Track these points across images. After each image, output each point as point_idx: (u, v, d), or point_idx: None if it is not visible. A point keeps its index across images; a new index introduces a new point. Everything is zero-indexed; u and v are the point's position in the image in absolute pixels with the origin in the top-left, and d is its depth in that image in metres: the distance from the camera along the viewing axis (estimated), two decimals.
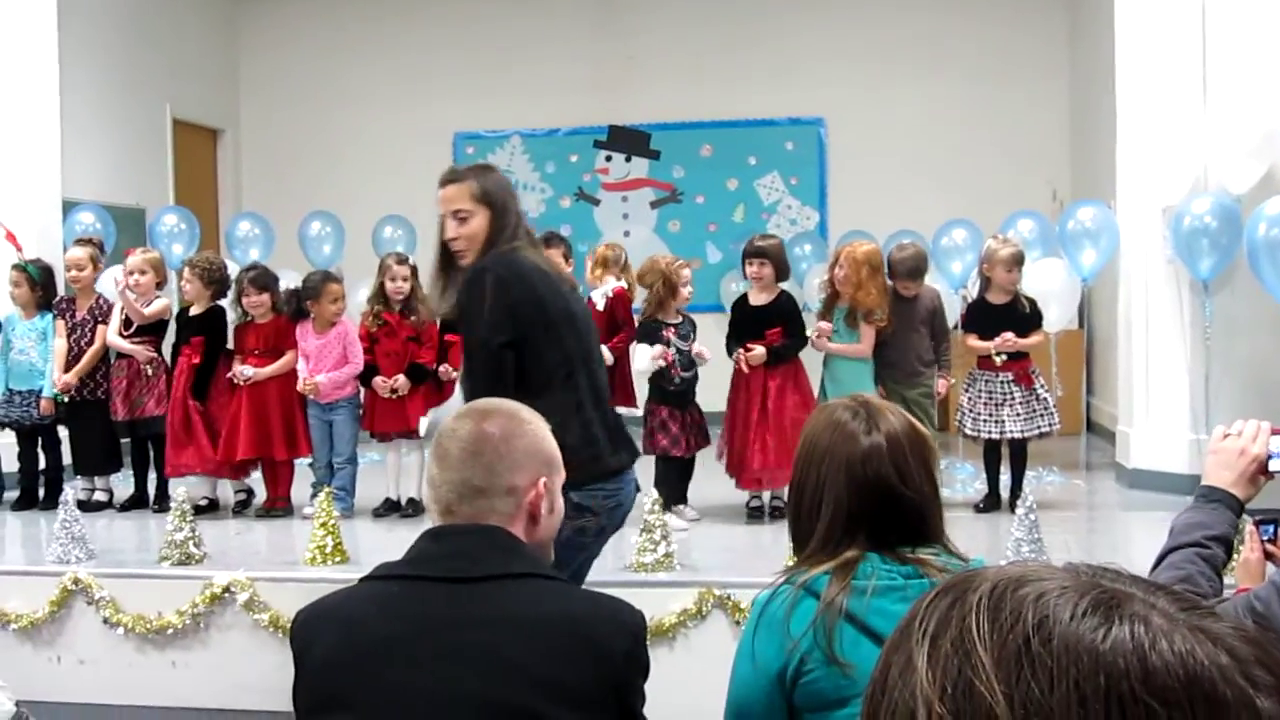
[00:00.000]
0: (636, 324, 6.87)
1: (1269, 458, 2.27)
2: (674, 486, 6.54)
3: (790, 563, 2.33)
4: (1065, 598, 0.76)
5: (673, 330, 6.67)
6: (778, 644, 2.14)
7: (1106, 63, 7.93)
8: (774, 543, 5.91)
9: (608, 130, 11.36)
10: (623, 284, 7.08)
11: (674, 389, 6.62)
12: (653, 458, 6.63)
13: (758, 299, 6.78)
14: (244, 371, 6.89)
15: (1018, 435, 6.72)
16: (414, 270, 7.07)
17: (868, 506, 2.18)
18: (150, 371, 7.09)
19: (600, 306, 6.83)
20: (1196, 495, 2.31)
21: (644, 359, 6.63)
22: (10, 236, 7.57)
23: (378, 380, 6.90)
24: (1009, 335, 6.65)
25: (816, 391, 6.74)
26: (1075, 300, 8.41)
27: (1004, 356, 6.75)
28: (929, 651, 0.77)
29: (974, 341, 6.78)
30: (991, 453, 6.88)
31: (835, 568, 2.15)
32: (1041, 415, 6.73)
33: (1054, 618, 0.75)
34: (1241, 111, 6.84)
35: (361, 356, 6.92)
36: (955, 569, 2.15)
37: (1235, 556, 2.32)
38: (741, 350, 6.60)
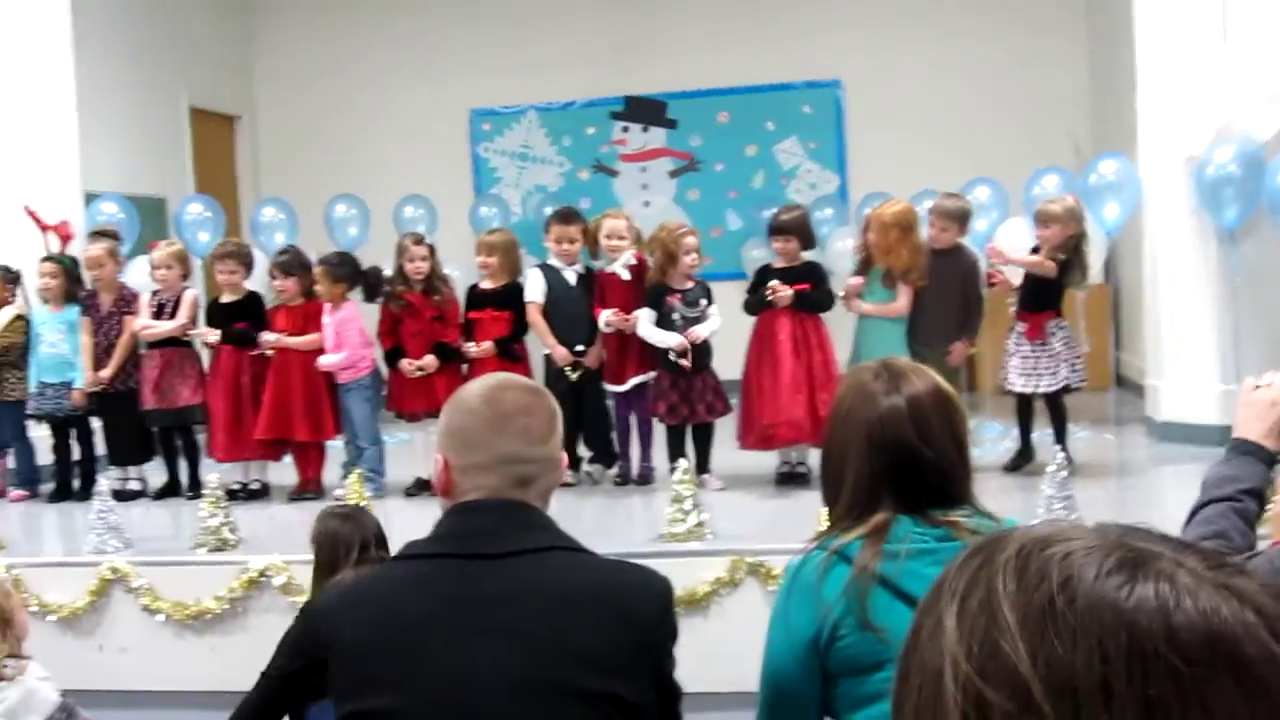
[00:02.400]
0: None
1: None
2: (676, 451, 6.52)
3: (822, 528, 2.33)
4: (1091, 556, 0.76)
5: (679, 296, 6.64)
6: (811, 610, 2.14)
7: (1125, 14, 7.86)
8: (803, 508, 5.92)
9: (624, 101, 11.33)
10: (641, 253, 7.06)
11: (688, 364, 6.60)
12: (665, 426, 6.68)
13: (781, 264, 6.78)
14: (267, 338, 6.92)
15: (1015, 389, 6.64)
16: (432, 249, 7.08)
17: (889, 468, 2.17)
18: (195, 342, 7.14)
19: (627, 276, 6.81)
20: (1227, 448, 2.30)
21: (648, 326, 6.62)
22: (60, 226, 7.64)
23: (404, 362, 6.92)
24: (993, 246, 6.60)
25: (849, 356, 6.71)
26: (1101, 255, 8.35)
27: (1013, 303, 6.70)
28: (957, 611, 0.78)
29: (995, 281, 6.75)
30: (1021, 407, 6.79)
31: (867, 532, 2.15)
32: (1049, 373, 6.56)
33: (1079, 576, 0.75)
34: (1262, 57, 6.77)
35: (357, 340, 6.92)
36: (987, 530, 2.14)
37: (1268, 509, 2.30)
38: (775, 281, 6.56)
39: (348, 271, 7.03)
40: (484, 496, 2.13)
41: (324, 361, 6.87)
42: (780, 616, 2.21)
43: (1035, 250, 6.75)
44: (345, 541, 3.79)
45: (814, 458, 6.62)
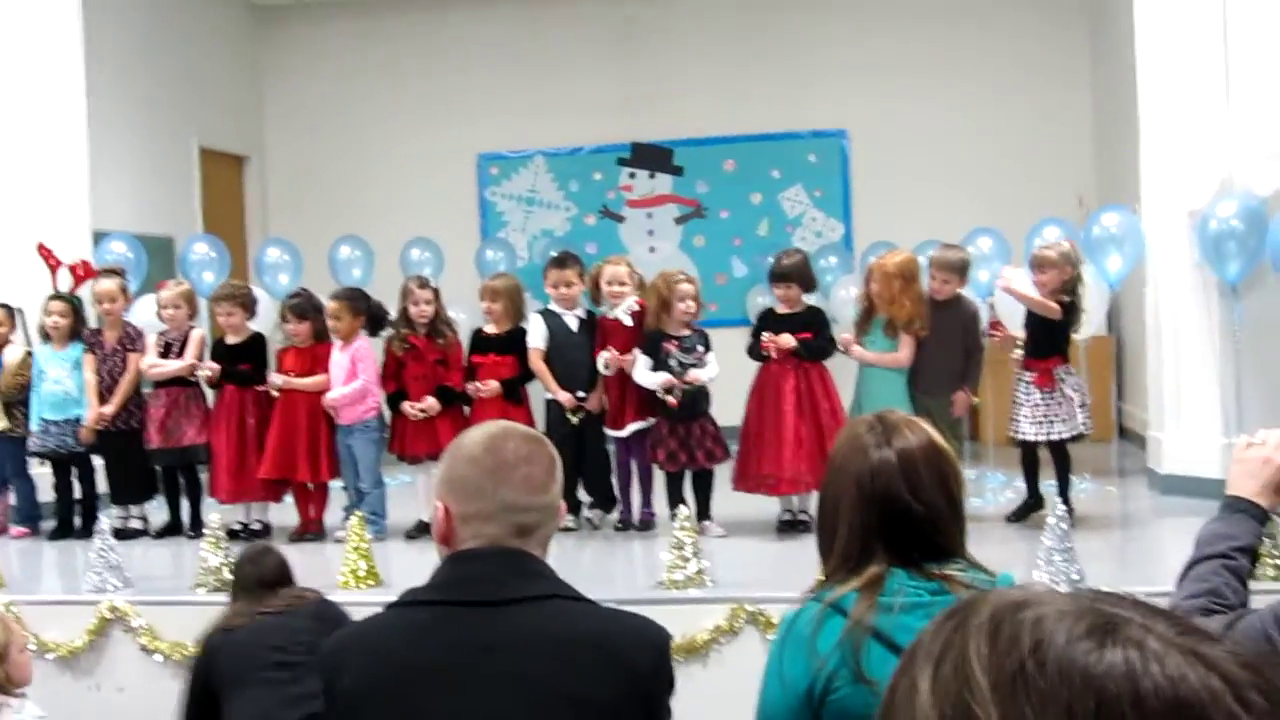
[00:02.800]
0: None
1: None
2: (676, 497, 6.52)
3: (818, 579, 2.33)
4: (1062, 622, 0.77)
5: (675, 344, 6.66)
6: (805, 662, 2.14)
7: (1128, 68, 7.91)
8: (804, 556, 5.90)
9: (631, 147, 11.40)
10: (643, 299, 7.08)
11: (675, 401, 6.62)
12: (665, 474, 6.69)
13: (784, 310, 6.81)
14: (275, 380, 6.95)
15: (1027, 438, 6.64)
16: (436, 293, 7.11)
17: (880, 521, 2.19)
18: (201, 379, 7.15)
19: (629, 322, 6.83)
20: (1221, 505, 2.30)
21: (642, 371, 6.65)
22: (80, 265, 7.69)
23: (406, 405, 6.93)
24: (1004, 271, 6.57)
25: (849, 405, 6.72)
26: (1103, 306, 8.38)
27: (1019, 352, 6.71)
28: (932, 674, 0.78)
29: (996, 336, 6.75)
30: (1027, 459, 6.78)
31: (861, 585, 2.15)
32: (1062, 420, 6.56)
33: (1049, 641, 0.76)
34: (1265, 113, 6.82)
35: (372, 374, 6.95)
36: (982, 584, 2.15)
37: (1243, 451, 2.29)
38: (769, 336, 6.58)
39: (365, 306, 7.08)
40: (483, 545, 2.12)
41: (337, 394, 6.87)
42: (774, 668, 2.21)
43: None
44: (242, 580, 4.13)
45: (815, 506, 6.61)
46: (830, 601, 2.16)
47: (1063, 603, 0.79)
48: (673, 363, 6.60)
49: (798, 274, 6.77)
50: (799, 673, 2.15)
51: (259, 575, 4.06)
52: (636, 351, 6.70)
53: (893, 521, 2.18)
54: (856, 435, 2.28)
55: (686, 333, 6.70)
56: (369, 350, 7.00)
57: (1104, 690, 0.73)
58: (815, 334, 6.68)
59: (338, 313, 6.97)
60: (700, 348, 6.68)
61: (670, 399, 6.57)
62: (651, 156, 11.42)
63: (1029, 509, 6.70)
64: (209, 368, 7.07)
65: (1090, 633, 0.76)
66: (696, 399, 6.63)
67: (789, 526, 6.70)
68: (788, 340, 6.56)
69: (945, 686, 0.77)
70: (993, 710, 0.74)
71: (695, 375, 6.58)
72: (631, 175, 11.51)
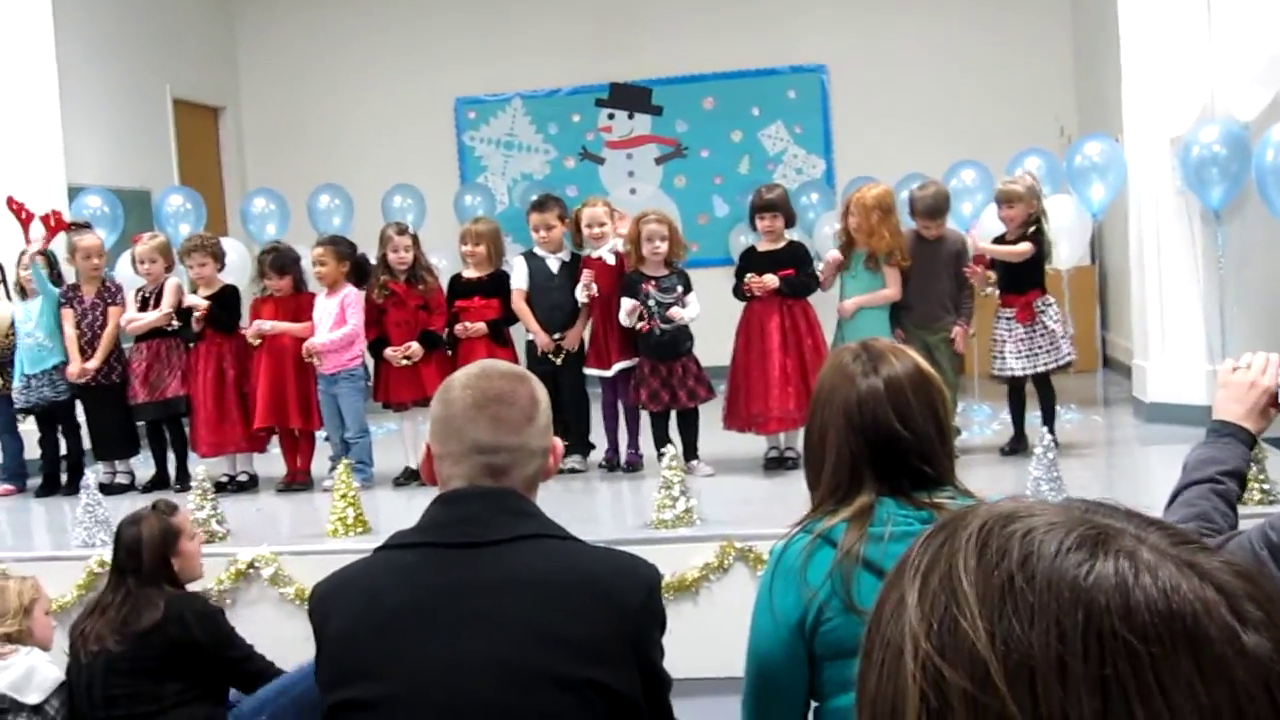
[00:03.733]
0: None
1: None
2: (662, 437, 6.51)
3: (808, 511, 2.32)
4: (1052, 533, 0.75)
5: (653, 283, 6.64)
6: (795, 594, 2.14)
7: None
8: (792, 493, 5.92)
9: (609, 88, 11.31)
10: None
11: (655, 341, 6.61)
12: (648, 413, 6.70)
13: (767, 247, 6.78)
14: (261, 325, 6.89)
15: (1017, 373, 6.65)
16: (415, 239, 7.07)
17: (868, 449, 2.18)
18: (173, 326, 7.08)
19: (612, 261, 6.80)
20: (1208, 430, 2.29)
21: (622, 311, 6.66)
22: (53, 216, 7.58)
23: (389, 351, 6.90)
24: (972, 235, 6.56)
25: (832, 341, 6.72)
26: (1086, 236, 8.37)
27: (994, 290, 6.71)
28: (919, 588, 0.77)
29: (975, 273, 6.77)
30: (1014, 394, 6.79)
31: (851, 515, 2.15)
32: (1040, 352, 6.58)
33: (1039, 554, 0.74)
34: (1247, 37, 6.77)
35: (361, 320, 6.90)
36: None
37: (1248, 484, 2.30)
38: (752, 275, 6.58)
39: (350, 252, 7.04)
40: (465, 485, 2.13)
41: (325, 338, 6.82)
42: (765, 601, 2.20)
43: (1000, 239, 6.78)
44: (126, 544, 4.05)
45: (801, 442, 6.62)
46: (820, 533, 2.16)
47: (1053, 514, 0.77)
48: (651, 303, 6.58)
49: (782, 205, 6.74)
50: (790, 604, 2.14)
51: (115, 553, 4.08)
52: (622, 300, 6.68)
53: (881, 450, 2.18)
54: (843, 364, 2.26)
55: (665, 273, 6.68)
56: (358, 297, 6.95)
57: (1093, 602, 0.71)
58: (798, 270, 6.67)
59: (323, 258, 6.92)
60: (680, 288, 6.66)
61: (641, 324, 6.56)
62: (630, 97, 11.33)
63: (1018, 446, 6.72)
64: (198, 304, 6.97)
65: (1081, 544, 0.74)
66: (678, 338, 6.62)
67: (776, 464, 6.72)
68: (771, 280, 6.54)
69: (933, 599, 0.76)
70: (980, 623, 0.72)
71: (675, 313, 6.56)
72: (610, 116, 11.42)
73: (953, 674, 0.72)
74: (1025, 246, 6.54)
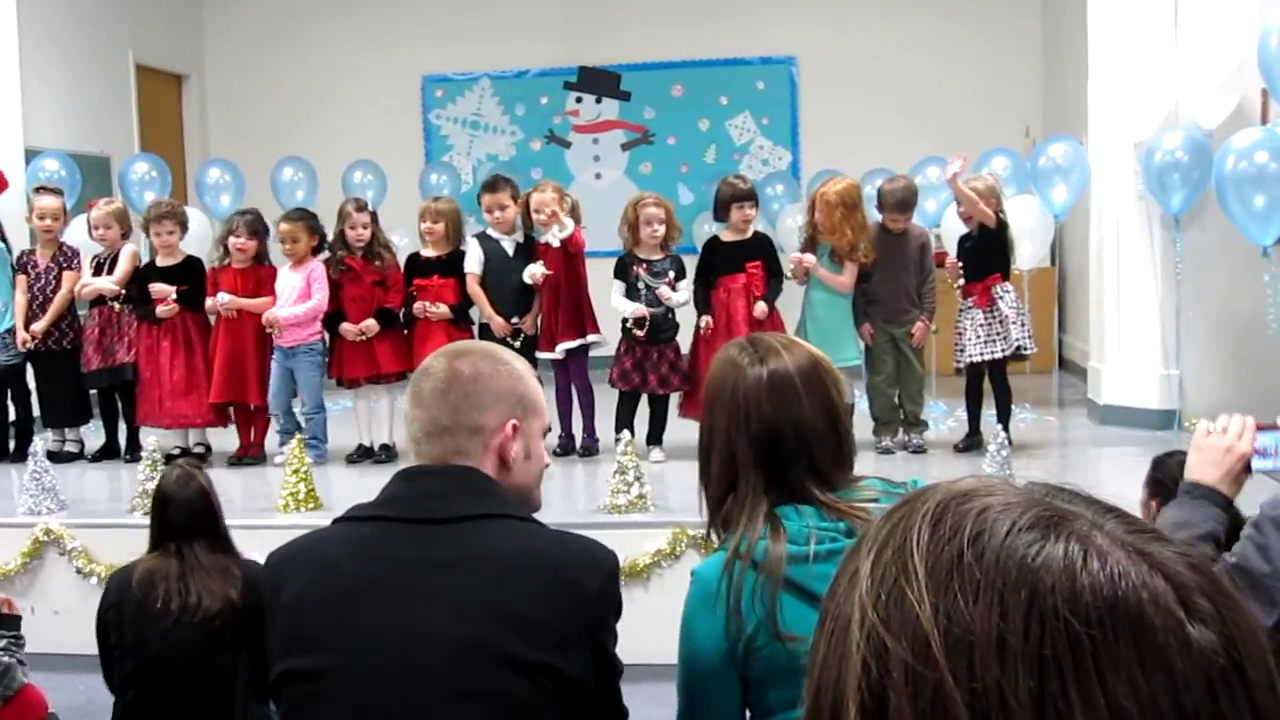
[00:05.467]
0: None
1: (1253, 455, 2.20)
2: (623, 421, 6.51)
3: (708, 521, 2.19)
4: (1007, 513, 0.75)
5: (644, 267, 6.64)
6: (720, 622, 2.02)
7: None
8: None
9: (578, 71, 11.27)
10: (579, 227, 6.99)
11: (642, 333, 6.61)
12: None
13: (733, 237, 6.77)
14: (221, 298, 6.78)
15: (974, 359, 6.65)
16: (374, 216, 7.00)
17: (752, 448, 2.08)
18: (117, 306, 6.98)
19: (556, 244, 6.71)
20: (1181, 491, 2.24)
21: (616, 297, 6.66)
22: None
23: (345, 326, 6.84)
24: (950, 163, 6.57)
25: (793, 332, 6.73)
26: (1048, 237, 8.41)
27: (963, 281, 6.75)
28: (873, 561, 0.77)
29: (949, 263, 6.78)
30: (972, 391, 6.79)
31: (767, 530, 2.03)
32: (1001, 338, 6.55)
33: (990, 531, 0.74)
34: (1213, 44, 6.82)
35: (326, 295, 6.83)
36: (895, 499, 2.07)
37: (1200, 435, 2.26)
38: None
39: (319, 227, 6.97)
40: (428, 462, 2.11)
41: (288, 311, 6.74)
42: (690, 627, 2.09)
43: (964, 239, 6.80)
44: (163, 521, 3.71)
45: None
46: (739, 553, 2.03)
47: (1012, 495, 0.77)
48: (640, 286, 6.58)
49: (757, 195, 6.78)
50: (717, 634, 2.02)
51: (177, 517, 3.66)
52: (613, 284, 6.73)
53: (766, 444, 2.07)
54: (729, 358, 2.15)
55: (658, 256, 6.66)
56: (324, 272, 6.88)
57: (1039, 583, 0.71)
58: (765, 262, 6.67)
59: (294, 234, 6.82)
60: (671, 273, 6.65)
61: (640, 333, 6.55)
62: (599, 81, 11.30)
63: (973, 443, 6.74)
64: (164, 291, 6.85)
65: (1034, 525, 0.74)
66: (659, 324, 6.61)
67: None
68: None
69: (884, 572, 0.76)
70: (926, 596, 0.72)
71: (663, 292, 6.56)
72: (578, 100, 11.38)
73: (895, 645, 0.72)
74: (989, 211, 6.50)
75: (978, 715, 0.69)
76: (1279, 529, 1.95)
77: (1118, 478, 5.58)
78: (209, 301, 6.88)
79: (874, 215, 6.88)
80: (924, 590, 0.73)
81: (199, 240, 7.81)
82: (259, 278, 6.95)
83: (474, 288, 6.90)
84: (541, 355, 6.84)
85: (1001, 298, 6.59)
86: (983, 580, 0.72)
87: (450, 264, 6.94)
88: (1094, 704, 0.68)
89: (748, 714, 2.14)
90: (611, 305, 6.71)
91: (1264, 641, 0.73)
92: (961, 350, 6.69)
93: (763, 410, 2.07)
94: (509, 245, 6.93)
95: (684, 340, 6.81)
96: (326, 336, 7.00)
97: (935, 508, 0.77)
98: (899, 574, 0.75)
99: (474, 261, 6.91)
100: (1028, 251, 7.82)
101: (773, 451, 2.07)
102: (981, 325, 6.60)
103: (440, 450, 2.11)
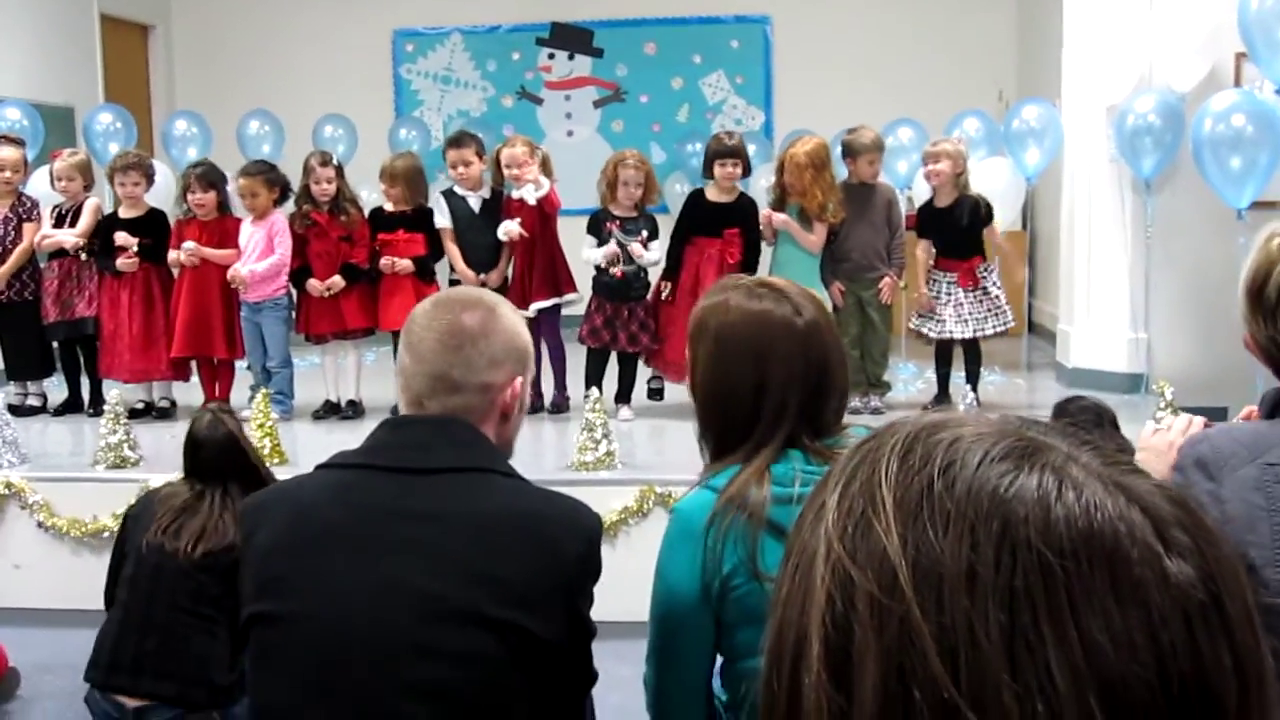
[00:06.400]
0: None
1: None
2: (592, 377, 6.46)
3: (705, 463, 2.21)
4: (979, 443, 0.73)
5: (617, 224, 6.59)
6: (700, 560, 2.04)
7: None
8: None
9: (550, 27, 11.16)
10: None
11: (607, 281, 6.58)
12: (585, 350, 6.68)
13: (719, 197, 6.67)
14: (188, 246, 6.68)
15: (961, 336, 6.70)
16: (339, 170, 6.90)
17: (809, 394, 2.11)
18: (84, 257, 6.89)
19: (532, 202, 6.66)
20: None
21: (587, 250, 6.64)
22: None
23: (311, 282, 6.76)
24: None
25: None
26: (1019, 200, 8.40)
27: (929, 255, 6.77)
28: (840, 493, 0.75)
29: (920, 252, 6.77)
30: (942, 354, 6.83)
31: (754, 472, 2.05)
32: (989, 315, 6.65)
33: (962, 462, 0.72)
34: (1187, 8, 6.81)
35: (289, 249, 6.74)
36: None
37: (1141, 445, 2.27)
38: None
39: (279, 178, 6.86)
40: (414, 411, 2.09)
41: (256, 267, 6.65)
42: (667, 564, 2.11)
43: (929, 202, 6.81)
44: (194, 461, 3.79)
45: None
46: (725, 494, 2.05)
47: (984, 426, 0.75)
48: (613, 242, 6.54)
49: (744, 153, 6.68)
50: (695, 571, 2.05)
51: (211, 460, 3.74)
52: (586, 240, 6.70)
53: (821, 393, 2.12)
54: (762, 310, 2.14)
55: (633, 214, 6.61)
56: (286, 225, 6.79)
57: (1012, 514, 0.69)
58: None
59: (253, 188, 6.71)
60: (644, 232, 6.60)
61: (615, 270, 6.51)
62: (571, 37, 11.20)
63: (942, 404, 6.76)
64: (128, 242, 6.75)
65: (1007, 455, 0.72)
66: (630, 282, 6.57)
67: (658, 395, 6.83)
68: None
69: (851, 504, 0.74)
70: (894, 528, 0.70)
71: (636, 249, 6.51)
72: (550, 56, 11.28)
73: (861, 577, 0.70)
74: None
75: (945, 649, 0.67)
76: (1198, 467, 1.95)
77: None
78: (172, 254, 6.79)
79: (841, 174, 6.85)
80: (892, 521, 0.71)
81: (164, 194, 7.70)
82: (224, 229, 6.85)
83: (449, 243, 6.85)
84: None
85: (986, 277, 6.63)
86: (953, 511, 0.70)
87: (415, 218, 6.86)
88: (1066, 637, 0.66)
89: (718, 658, 2.14)
90: (583, 258, 6.66)
91: (1244, 577, 0.71)
92: (940, 323, 6.69)
93: (809, 359, 2.11)
94: (475, 202, 6.87)
95: None
96: (293, 291, 6.93)
97: (905, 439, 0.75)
98: (866, 505, 0.72)
99: (443, 218, 6.86)
100: (999, 215, 7.81)
101: (819, 398, 2.11)
102: (963, 304, 6.62)
103: (446, 407, 2.08)
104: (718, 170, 6.62)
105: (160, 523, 3.62)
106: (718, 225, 6.57)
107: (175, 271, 6.87)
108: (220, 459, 3.71)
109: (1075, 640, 0.66)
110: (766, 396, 2.10)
